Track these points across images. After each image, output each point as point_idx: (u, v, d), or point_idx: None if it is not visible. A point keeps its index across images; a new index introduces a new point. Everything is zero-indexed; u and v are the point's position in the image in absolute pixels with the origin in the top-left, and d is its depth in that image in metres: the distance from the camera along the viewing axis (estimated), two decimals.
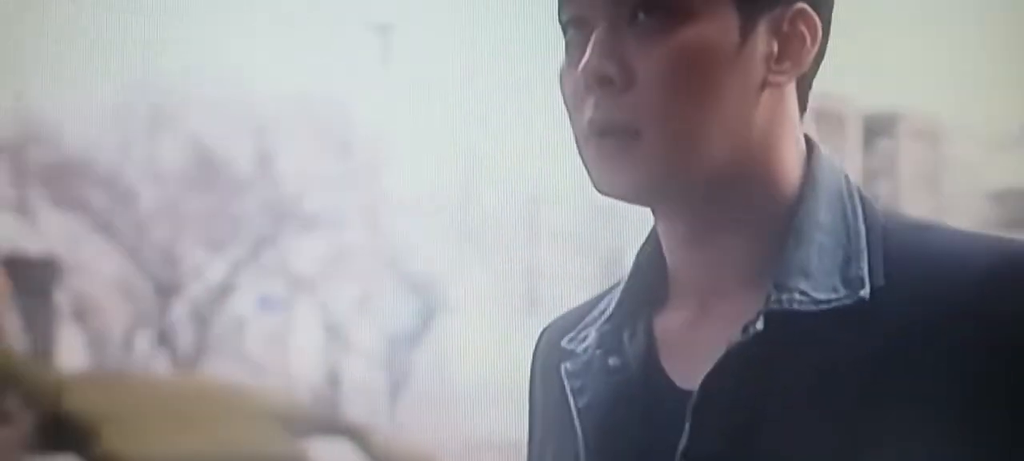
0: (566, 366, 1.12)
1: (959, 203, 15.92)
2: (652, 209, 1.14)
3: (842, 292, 1.04)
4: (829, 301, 1.04)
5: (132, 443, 14.62)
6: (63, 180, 24.92)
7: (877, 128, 15.36)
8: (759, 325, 1.02)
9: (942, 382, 0.97)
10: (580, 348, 1.15)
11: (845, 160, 13.30)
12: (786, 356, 1.03)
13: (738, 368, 1.03)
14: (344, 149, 25.98)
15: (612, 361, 1.11)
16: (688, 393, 1.07)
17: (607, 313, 1.15)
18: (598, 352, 1.12)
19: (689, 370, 1.09)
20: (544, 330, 1.23)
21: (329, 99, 25.34)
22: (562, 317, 1.38)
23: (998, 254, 1.05)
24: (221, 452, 14.75)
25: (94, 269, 25.71)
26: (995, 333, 1.00)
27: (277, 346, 25.73)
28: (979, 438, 0.96)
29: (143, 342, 25.82)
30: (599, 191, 1.12)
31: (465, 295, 33.70)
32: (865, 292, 1.03)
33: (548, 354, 1.19)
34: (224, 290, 23.51)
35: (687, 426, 1.02)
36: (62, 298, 23.54)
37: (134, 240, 25.11)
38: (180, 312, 25.65)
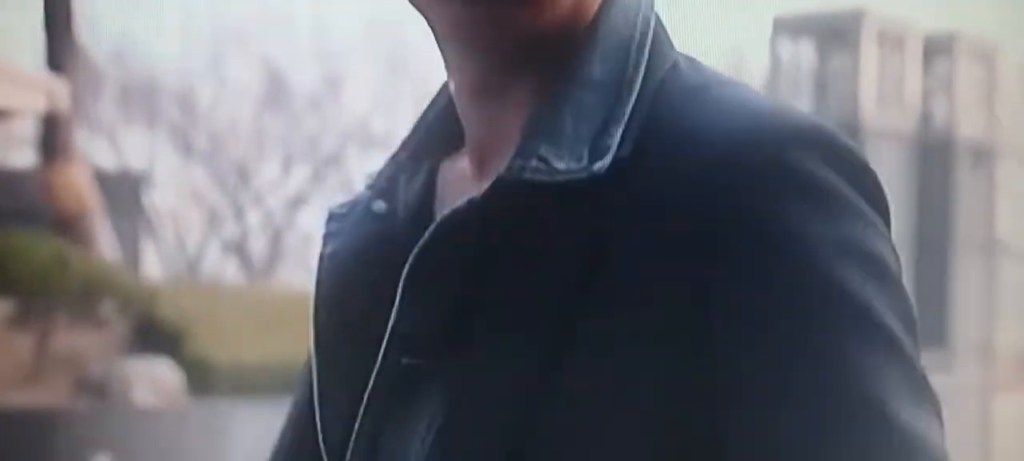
0: (333, 206, 0.96)
1: (1013, 121, 15.87)
2: (444, 52, 0.94)
3: (584, 162, 0.87)
4: (566, 172, 0.86)
5: (218, 346, 14.82)
6: (144, 100, 25.09)
7: (936, 49, 15.27)
8: (477, 195, 0.87)
9: (662, 279, 0.83)
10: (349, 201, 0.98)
11: (905, 79, 13.32)
12: (506, 234, 0.88)
13: (454, 241, 0.88)
14: (409, 72, 25.93)
15: (377, 206, 0.94)
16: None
17: (389, 159, 0.98)
18: (366, 194, 0.95)
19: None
20: None
21: (395, 22, 25.35)
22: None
23: (752, 130, 0.86)
24: (300, 354, 14.98)
25: (175, 184, 25.92)
26: (718, 227, 0.84)
27: None
28: (695, 332, 0.83)
29: (220, 252, 26.00)
30: None
31: None
32: (601, 165, 0.85)
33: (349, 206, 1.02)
34: (295, 204, 23.70)
35: (398, 299, 0.88)
36: (148, 211, 23.79)
37: (211, 156, 25.29)
38: (254, 224, 25.84)
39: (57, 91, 17.45)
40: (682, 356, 0.84)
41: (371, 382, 0.92)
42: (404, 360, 0.91)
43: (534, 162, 0.88)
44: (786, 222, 0.85)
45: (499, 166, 0.90)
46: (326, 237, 0.99)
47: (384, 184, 0.97)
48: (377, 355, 0.92)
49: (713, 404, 0.83)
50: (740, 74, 14.08)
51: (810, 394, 0.82)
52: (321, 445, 0.94)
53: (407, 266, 0.89)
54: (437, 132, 0.99)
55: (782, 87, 13.51)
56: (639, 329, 0.85)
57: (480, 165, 0.94)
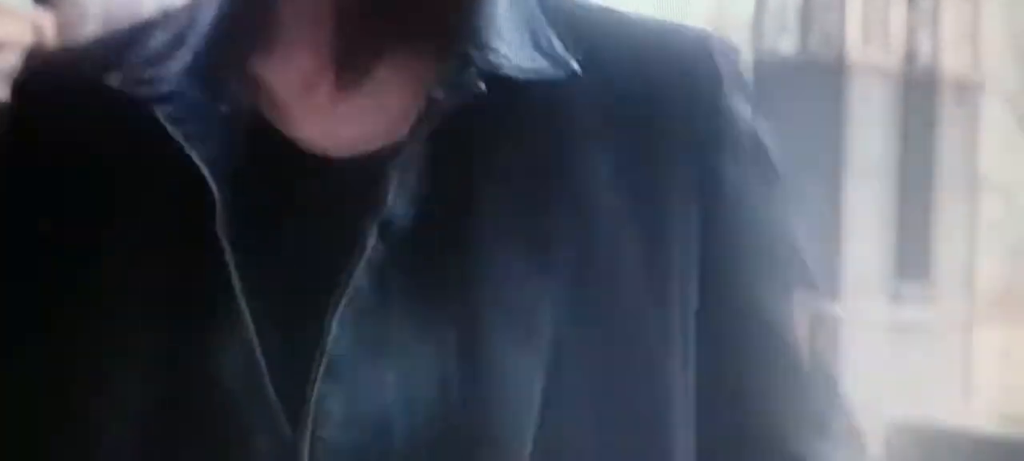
0: (165, 110, 0.83)
1: (998, 58, 15.85)
2: None
3: (543, 63, 0.85)
4: (536, 71, 0.85)
5: None
6: None
7: None
8: (478, 82, 0.83)
9: (638, 169, 0.84)
10: (163, 89, 0.84)
11: (890, 16, 13.30)
12: (488, 127, 0.84)
13: (439, 130, 0.82)
14: None
15: (224, 108, 0.84)
16: (330, 159, 0.85)
17: (192, 48, 0.86)
18: (196, 94, 0.84)
19: (321, 133, 0.85)
20: (26, 76, 0.91)
21: None
22: (57, 56, 1.04)
23: (677, 36, 0.90)
24: None
25: None
26: (699, 124, 0.87)
27: None
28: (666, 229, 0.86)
29: None
30: None
31: None
32: (575, 65, 0.85)
33: (79, 99, 0.87)
34: None
35: (392, 191, 0.81)
36: None
37: None
38: None
39: (43, 24, 17.29)
40: (691, 237, 0.86)
41: (339, 306, 0.82)
42: (383, 272, 0.83)
43: (500, 57, 0.86)
44: (742, 112, 0.92)
45: (388, 66, 0.86)
46: (190, 139, 0.85)
47: (212, 85, 0.86)
48: (316, 283, 0.83)
49: (716, 281, 0.87)
50: (724, 10, 14.02)
51: (780, 264, 0.91)
52: (265, 397, 0.82)
53: (401, 155, 0.83)
54: (245, 30, 0.89)
55: (767, 23, 13.47)
56: (637, 231, 0.86)
57: (345, 67, 0.87)
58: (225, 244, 0.84)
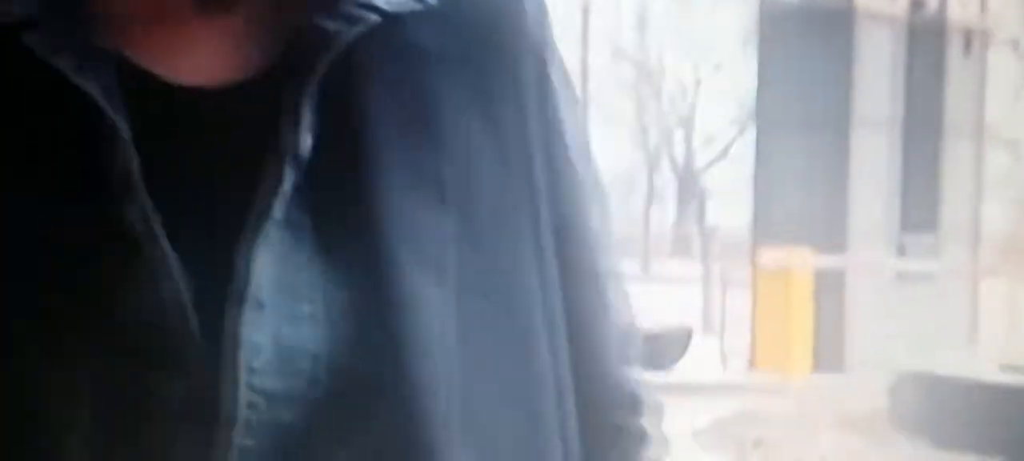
0: (38, 41, 0.78)
1: (1004, 6, 15.77)
2: None
3: None
4: (401, 3, 0.83)
5: None
6: None
7: None
8: (367, 13, 0.81)
9: (499, 100, 0.85)
10: (23, 14, 0.79)
11: None
12: (366, 62, 0.83)
13: (327, 61, 0.80)
14: None
15: (93, 39, 0.80)
16: (189, 89, 0.81)
17: None
18: (60, 23, 0.79)
19: (188, 65, 0.81)
20: None
21: None
22: None
23: None
24: None
25: None
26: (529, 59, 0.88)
27: None
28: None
29: None
30: None
31: None
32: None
33: None
34: None
35: (302, 123, 0.78)
36: None
37: None
38: None
39: None
40: (529, 171, 0.88)
41: (256, 243, 0.79)
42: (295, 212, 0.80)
43: None
44: (557, 52, 0.94)
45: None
46: (75, 70, 0.78)
47: (61, 12, 0.79)
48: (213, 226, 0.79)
49: (558, 210, 0.90)
50: None
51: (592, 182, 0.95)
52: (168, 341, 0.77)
53: (291, 89, 0.80)
54: None
55: None
56: (501, 157, 0.87)
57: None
58: (138, 180, 0.78)
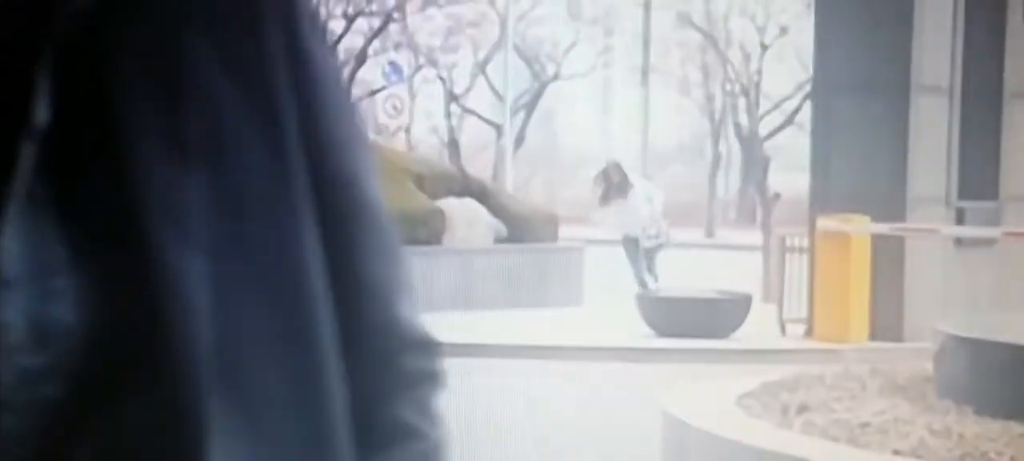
0: None
1: None
2: None
3: None
4: None
5: None
6: None
7: None
8: None
9: (244, 53, 0.83)
10: None
11: None
12: (107, 26, 0.79)
13: (62, 29, 0.77)
14: None
15: None
16: None
17: None
18: None
19: None
20: None
21: None
22: None
23: None
24: None
25: None
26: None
27: (403, 111, 25.87)
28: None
29: None
30: None
31: (575, 64, 33.50)
32: None
33: None
34: (357, 59, 23.63)
35: (40, 91, 0.76)
36: None
37: None
38: None
39: None
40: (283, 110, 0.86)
41: (2, 222, 0.78)
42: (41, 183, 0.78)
43: None
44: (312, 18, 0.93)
45: None
46: None
47: None
48: None
49: (319, 150, 0.89)
50: None
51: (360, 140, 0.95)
52: None
53: (37, 67, 0.77)
54: None
55: None
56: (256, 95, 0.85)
57: None
58: None
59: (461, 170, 19.01)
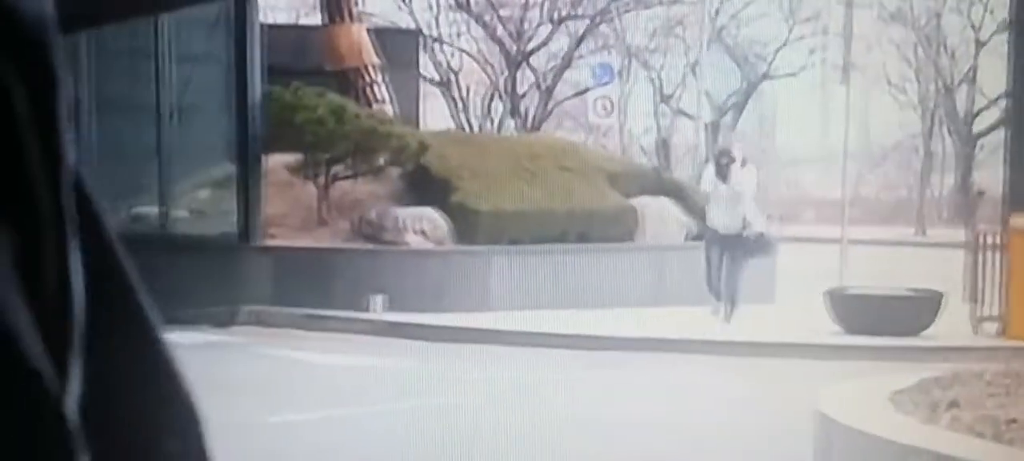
0: None
1: None
2: None
3: None
4: None
5: (482, 194, 15.29)
6: None
7: None
8: None
9: None
10: None
11: None
12: None
13: None
14: None
15: None
16: None
17: None
18: None
19: None
20: None
21: None
22: None
23: None
24: (558, 203, 15.31)
25: (453, 41, 26.47)
26: None
27: (613, 112, 26.03)
28: None
29: (495, 106, 26.50)
30: None
31: (787, 62, 32.70)
32: None
33: None
34: (566, 60, 23.90)
35: None
36: (426, 68, 24.41)
37: (487, 14, 25.67)
38: (527, 80, 26.22)
39: None
40: None
41: None
42: None
43: None
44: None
45: None
46: None
47: None
48: None
49: None
50: None
51: None
52: None
53: None
54: None
55: None
56: None
57: None
58: None
59: (655, 169, 19.07)
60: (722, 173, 13.98)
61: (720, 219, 13.91)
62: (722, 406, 9.65)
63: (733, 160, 14.13)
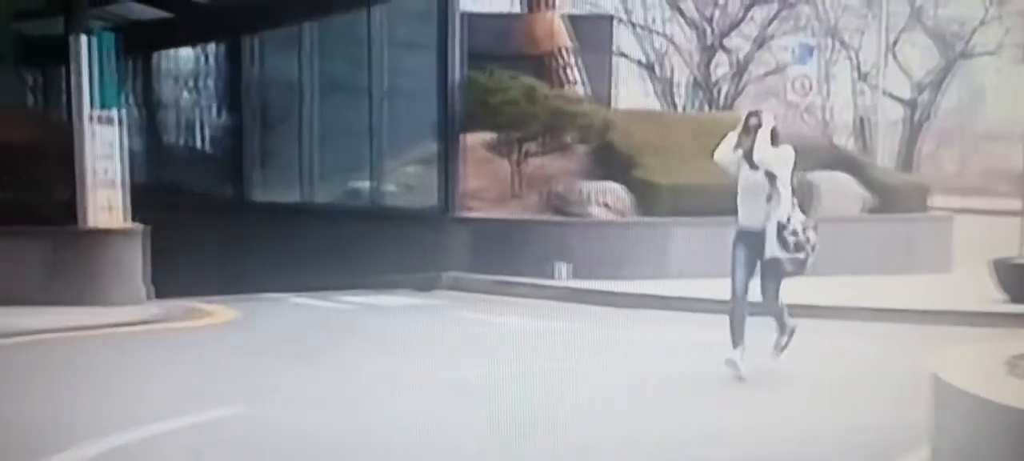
0: None
1: None
2: None
3: None
4: None
5: (663, 169, 15.83)
6: None
7: None
8: None
9: None
10: None
11: None
12: None
13: None
14: None
15: None
16: None
17: None
18: None
19: None
20: None
21: None
22: None
23: None
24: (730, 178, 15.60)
25: (644, 25, 26.93)
26: None
27: (811, 90, 26.22)
28: None
29: (689, 87, 26.91)
30: None
31: (985, 40, 32.35)
32: None
33: None
34: (762, 40, 24.20)
35: None
36: (618, 50, 25.07)
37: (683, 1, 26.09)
38: (722, 60, 26.58)
39: None
40: None
41: None
42: None
43: None
44: None
45: None
46: None
47: None
48: None
49: None
50: None
51: None
52: None
53: None
54: None
55: None
56: None
57: None
58: None
59: (831, 144, 19.20)
60: (745, 144, 9.77)
61: (744, 206, 9.84)
62: (880, 366, 9.98)
63: (760, 125, 9.74)
